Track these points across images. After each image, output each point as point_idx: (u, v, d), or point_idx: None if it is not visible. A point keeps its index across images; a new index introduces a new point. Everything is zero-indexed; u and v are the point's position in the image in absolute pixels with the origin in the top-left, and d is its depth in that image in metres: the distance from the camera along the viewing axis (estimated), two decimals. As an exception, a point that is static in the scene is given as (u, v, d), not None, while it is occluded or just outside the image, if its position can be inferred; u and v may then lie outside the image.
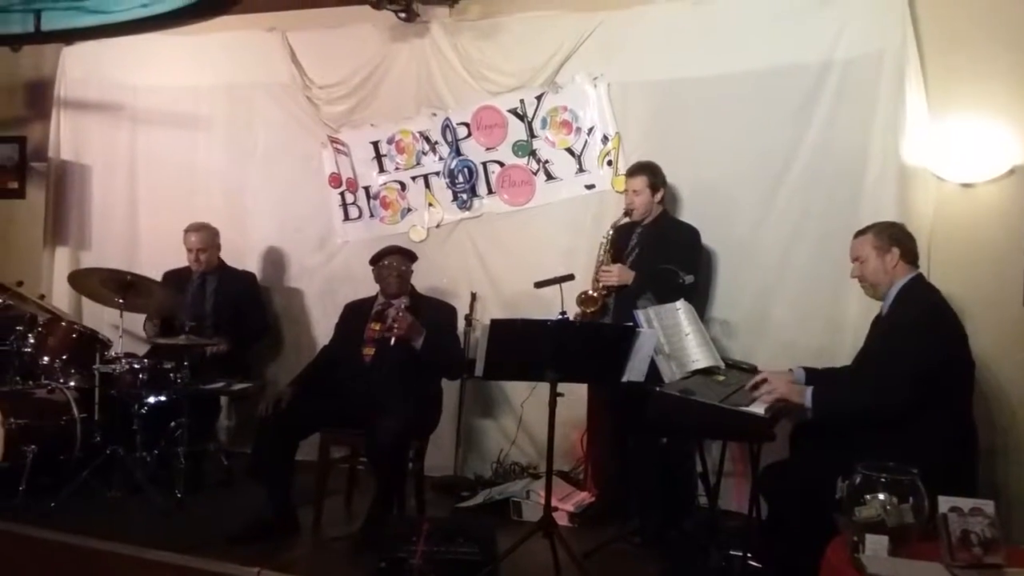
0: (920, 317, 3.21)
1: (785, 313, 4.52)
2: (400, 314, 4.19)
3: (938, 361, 3.10)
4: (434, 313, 4.42)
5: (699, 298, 4.35)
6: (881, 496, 2.52)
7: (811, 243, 4.45)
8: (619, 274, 4.28)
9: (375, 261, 4.48)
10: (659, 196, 4.39)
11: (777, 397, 3.26)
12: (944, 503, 2.52)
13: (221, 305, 5.16)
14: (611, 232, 4.40)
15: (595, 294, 4.32)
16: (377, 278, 4.47)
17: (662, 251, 4.24)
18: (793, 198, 4.50)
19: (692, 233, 4.37)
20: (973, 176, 4.19)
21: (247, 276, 5.42)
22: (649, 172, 4.38)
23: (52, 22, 6.04)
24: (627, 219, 4.41)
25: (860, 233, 3.46)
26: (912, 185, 4.25)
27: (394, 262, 4.42)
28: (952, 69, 4.24)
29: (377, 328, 4.33)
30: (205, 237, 5.19)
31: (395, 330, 4.17)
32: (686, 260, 4.19)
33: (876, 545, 2.46)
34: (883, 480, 2.55)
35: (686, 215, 4.56)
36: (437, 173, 5.34)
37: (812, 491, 2.93)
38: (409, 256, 4.50)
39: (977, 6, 4.22)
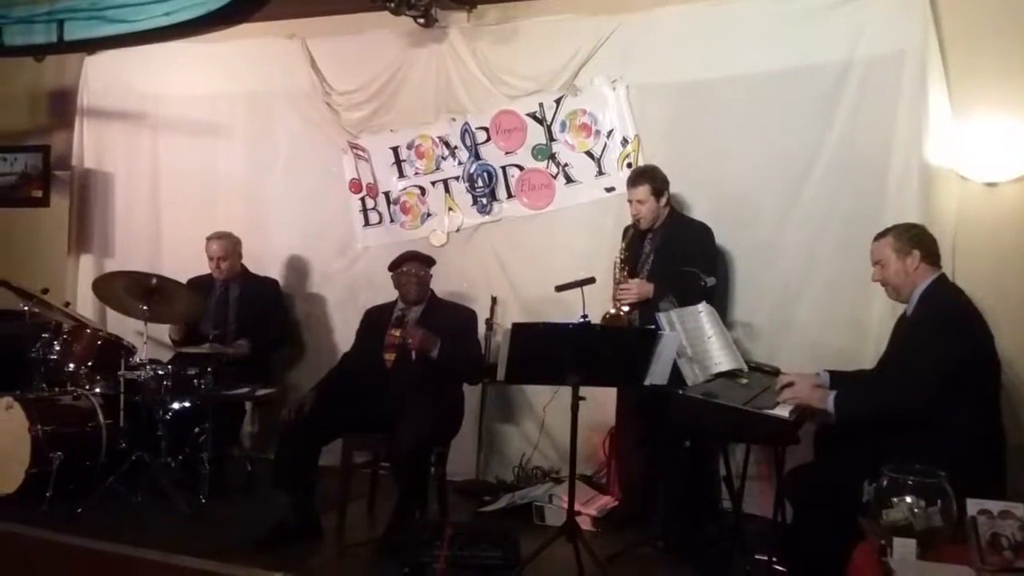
0: (944, 317, 3.18)
1: (808, 315, 4.49)
2: (411, 328, 4.21)
3: (963, 361, 3.06)
4: (453, 318, 4.42)
5: (718, 299, 4.32)
6: (908, 499, 2.51)
7: (834, 244, 4.42)
8: (638, 290, 4.23)
9: (394, 268, 4.49)
10: (664, 200, 4.34)
11: (799, 402, 3.24)
12: (973, 506, 2.50)
13: (244, 313, 5.18)
14: (623, 251, 4.36)
15: (619, 312, 4.28)
16: (396, 285, 4.48)
17: (677, 252, 4.22)
18: (815, 199, 4.48)
19: (705, 232, 4.34)
20: (997, 175, 4.17)
21: (270, 283, 5.44)
22: (650, 179, 4.31)
23: (74, 32, 6.07)
24: (634, 228, 4.38)
25: (880, 236, 3.42)
26: (935, 184, 4.23)
27: (412, 268, 4.42)
28: (975, 68, 4.21)
29: (397, 334, 4.33)
30: (226, 245, 5.21)
31: (409, 345, 4.19)
32: (705, 261, 4.16)
33: (904, 549, 2.44)
34: (910, 483, 2.53)
35: (707, 217, 4.52)
36: (457, 178, 5.35)
37: (838, 494, 2.92)
38: (427, 262, 4.51)
39: (999, 4, 4.19)
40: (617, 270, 4.36)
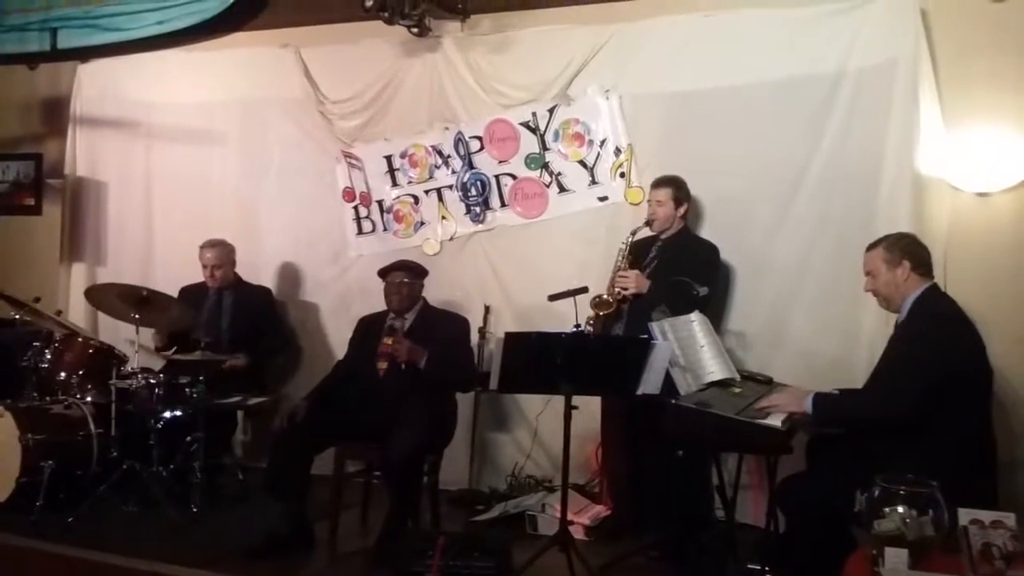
0: (930, 328, 3.18)
1: (801, 324, 4.50)
2: (398, 340, 4.22)
3: (949, 372, 3.06)
4: (445, 326, 4.42)
5: (714, 311, 4.33)
6: (900, 509, 2.51)
7: (826, 254, 4.43)
8: (636, 281, 4.27)
9: (381, 276, 4.49)
10: (682, 210, 4.40)
11: (779, 409, 3.25)
12: (964, 515, 2.50)
13: (238, 321, 5.17)
14: (631, 238, 4.40)
15: (610, 298, 4.32)
16: (384, 293, 4.48)
17: (681, 266, 4.22)
18: (808, 209, 4.49)
19: (711, 249, 4.38)
20: (988, 185, 4.19)
21: (263, 292, 5.43)
22: (675, 186, 4.39)
23: (68, 40, 6.10)
24: (647, 229, 4.41)
25: (871, 247, 3.43)
26: (927, 195, 4.24)
27: (395, 279, 4.42)
28: (966, 78, 4.23)
29: (389, 343, 4.33)
30: (220, 253, 5.20)
31: (397, 356, 4.20)
32: (702, 274, 4.18)
33: (896, 559, 2.44)
34: (902, 493, 2.53)
35: (700, 226, 4.54)
36: (450, 186, 5.35)
37: (830, 504, 2.92)
38: (415, 272, 4.50)
39: (990, 16, 4.22)
40: (621, 256, 4.39)
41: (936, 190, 4.24)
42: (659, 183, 4.44)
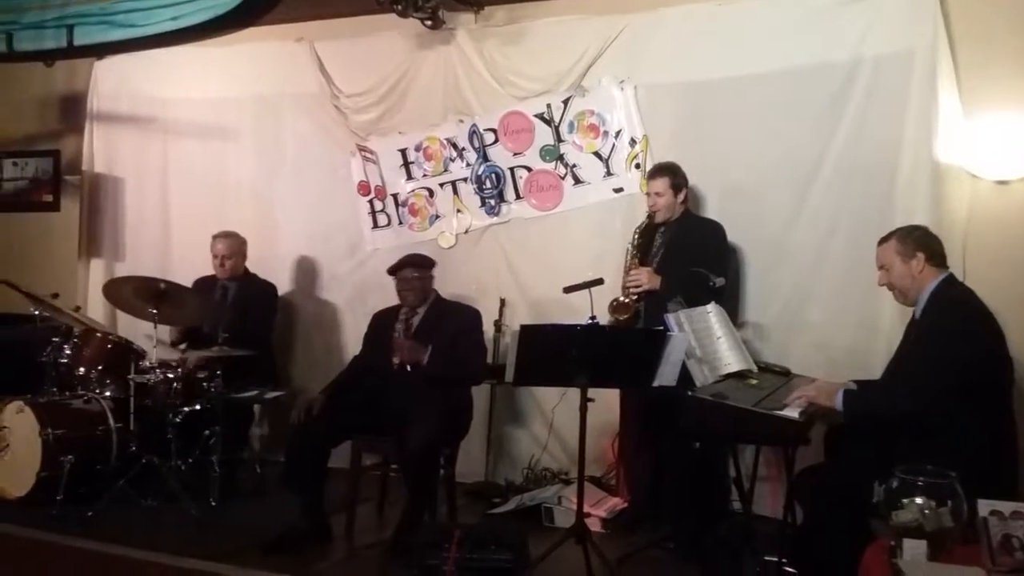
0: (954, 321, 3.15)
1: (818, 314, 4.47)
2: (399, 341, 4.24)
3: (974, 364, 3.03)
4: (455, 319, 4.40)
5: (728, 299, 4.30)
6: (919, 500, 2.48)
7: (843, 243, 4.40)
8: (647, 277, 4.24)
9: (392, 273, 4.48)
10: (682, 196, 4.36)
11: (809, 401, 3.22)
12: (984, 506, 2.48)
13: (239, 314, 5.05)
14: (636, 238, 4.38)
15: (627, 300, 4.29)
16: (396, 289, 4.48)
17: (686, 250, 4.22)
18: (824, 198, 4.46)
19: (717, 230, 4.34)
20: (1008, 173, 4.14)
21: (266, 286, 5.36)
22: (671, 173, 4.35)
23: (84, 37, 6.11)
24: (649, 221, 4.39)
25: (883, 240, 3.40)
26: (946, 183, 4.20)
27: (407, 274, 4.40)
28: (985, 65, 4.19)
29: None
30: (232, 244, 5.20)
31: (400, 356, 4.21)
32: (714, 261, 4.16)
33: (914, 550, 2.42)
34: (921, 483, 2.50)
35: (716, 216, 4.51)
36: (465, 179, 5.34)
37: (848, 495, 2.90)
38: (425, 264, 4.46)
39: (1009, 1, 4.17)
40: (629, 257, 4.36)
41: (955, 178, 4.20)
42: (655, 173, 4.41)
